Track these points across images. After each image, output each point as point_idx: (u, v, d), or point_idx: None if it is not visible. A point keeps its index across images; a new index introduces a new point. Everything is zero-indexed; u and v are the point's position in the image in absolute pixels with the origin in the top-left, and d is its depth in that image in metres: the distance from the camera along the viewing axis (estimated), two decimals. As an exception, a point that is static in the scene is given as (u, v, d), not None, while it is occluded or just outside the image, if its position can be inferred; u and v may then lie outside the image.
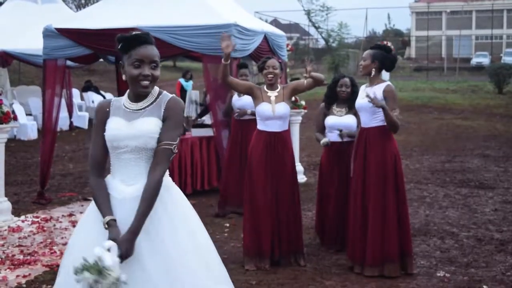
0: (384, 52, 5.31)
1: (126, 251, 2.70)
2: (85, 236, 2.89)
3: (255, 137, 5.65)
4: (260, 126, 5.62)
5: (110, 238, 2.72)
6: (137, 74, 2.83)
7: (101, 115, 2.95)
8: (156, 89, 2.94)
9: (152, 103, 2.90)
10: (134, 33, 2.87)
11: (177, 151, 2.90)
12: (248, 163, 5.67)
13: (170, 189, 2.94)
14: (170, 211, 2.87)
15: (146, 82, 2.84)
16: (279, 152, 5.52)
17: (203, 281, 2.84)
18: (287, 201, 5.52)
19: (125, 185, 2.88)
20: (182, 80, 16.09)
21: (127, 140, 2.85)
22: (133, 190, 2.84)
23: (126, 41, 2.86)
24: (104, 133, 2.90)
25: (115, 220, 2.79)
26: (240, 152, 7.64)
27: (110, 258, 2.60)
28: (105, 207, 2.83)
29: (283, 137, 5.58)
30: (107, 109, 2.94)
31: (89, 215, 2.97)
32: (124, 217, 2.80)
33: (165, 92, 2.96)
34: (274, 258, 5.52)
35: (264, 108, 5.54)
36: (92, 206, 2.96)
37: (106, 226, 2.77)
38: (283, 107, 5.55)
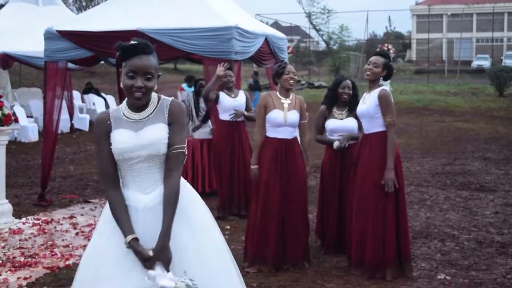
0: (389, 61, 5.38)
1: (167, 260, 2.73)
2: (103, 253, 2.86)
3: (264, 144, 5.59)
4: (270, 133, 5.56)
5: (143, 259, 2.72)
6: (130, 85, 2.80)
7: (103, 128, 2.90)
8: (155, 95, 2.91)
9: (154, 109, 2.88)
10: (131, 42, 2.81)
11: (187, 152, 2.90)
12: (257, 170, 5.63)
13: (183, 186, 2.94)
14: (187, 211, 2.89)
15: (138, 94, 2.80)
16: (290, 159, 5.49)
17: (222, 281, 2.89)
18: (296, 208, 5.50)
19: (142, 194, 2.87)
20: (184, 86, 15.92)
21: (138, 150, 2.83)
22: (153, 197, 2.85)
23: (123, 50, 2.81)
24: (111, 147, 2.86)
25: (137, 239, 2.78)
26: (231, 153, 7.64)
27: (168, 281, 2.61)
28: (126, 225, 2.80)
29: (293, 144, 5.56)
30: (108, 122, 2.90)
31: (104, 229, 2.93)
32: (147, 225, 2.81)
33: (163, 96, 2.94)
34: (279, 264, 5.50)
35: (276, 115, 5.49)
36: (105, 218, 2.93)
37: (128, 245, 2.76)
38: (294, 115, 5.52)
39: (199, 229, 2.89)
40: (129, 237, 2.77)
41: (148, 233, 2.79)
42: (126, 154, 2.84)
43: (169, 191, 2.80)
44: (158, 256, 2.72)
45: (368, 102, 5.32)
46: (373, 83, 5.37)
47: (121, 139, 2.84)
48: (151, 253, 2.73)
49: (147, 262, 2.72)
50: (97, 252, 2.88)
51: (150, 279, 2.64)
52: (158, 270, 2.67)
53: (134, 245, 2.75)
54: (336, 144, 5.92)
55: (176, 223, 2.81)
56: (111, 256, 2.81)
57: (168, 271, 2.70)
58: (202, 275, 2.79)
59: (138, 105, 2.86)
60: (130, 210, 2.85)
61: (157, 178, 2.86)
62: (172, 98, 2.95)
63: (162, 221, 2.77)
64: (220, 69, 7.36)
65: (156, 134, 2.82)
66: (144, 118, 2.87)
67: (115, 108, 2.97)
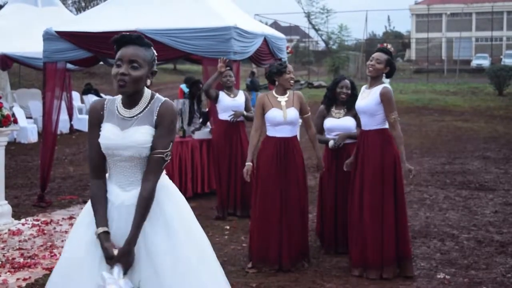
0: (392, 59, 5.37)
1: (127, 264, 2.73)
2: (79, 240, 2.88)
3: (264, 143, 5.59)
4: (270, 132, 5.56)
5: (106, 257, 2.73)
6: (115, 72, 2.79)
7: (95, 117, 2.90)
8: (149, 92, 2.89)
9: (144, 109, 2.85)
10: (122, 34, 2.84)
11: (170, 158, 2.87)
12: (256, 168, 5.61)
13: (165, 188, 2.92)
14: (166, 211, 2.86)
15: (122, 82, 2.78)
16: (290, 157, 5.48)
17: (200, 278, 2.84)
18: (296, 206, 5.50)
19: (122, 190, 2.87)
20: (183, 86, 15.88)
21: (121, 150, 2.83)
22: (130, 197, 2.84)
23: (114, 42, 2.84)
24: (99, 139, 2.87)
25: (108, 233, 2.79)
26: (229, 153, 7.63)
27: (115, 287, 2.61)
28: (99, 216, 2.82)
29: (293, 142, 5.55)
30: (101, 112, 2.89)
31: (84, 218, 2.96)
32: (121, 222, 2.81)
33: (157, 95, 2.91)
34: (282, 265, 5.48)
35: (275, 113, 5.48)
36: (87, 208, 2.96)
37: (97, 237, 2.78)
38: (293, 112, 5.51)
39: (179, 232, 2.84)
40: (100, 229, 2.78)
41: (122, 229, 2.79)
42: (109, 150, 2.85)
43: (142, 195, 2.79)
44: (120, 258, 2.72)
45: (368, 98, 5.28)
46: (374, 79, 5.34)
47: (107, 135, 2.84)
48: (116, 252, 2.74)
49: (110, 260, 2.73)
50: (77, 237, 2.90)
51: (100, 280, 2.64)
52: (114, 273, 2.67)
53: (102, 239, 2.76)
54: (331, 143, 5.94)
55: (151, 226, 2.80)
56: (86, 246, 2.82)
57: (125, 274, 2.70)
58: (179, 279, 2.76)
59: (123, 94, 2.84)
60: (108, 203, 2.86)
61: (139, 178, 2.86)
62: (166, 99, 2.91)
63: (131, 225, 2.77)
64: (221, 65, 7.37)
65: (139, 138, 2.80)
66: (133, 116, 2.85)
67: (111, 98, 2.95)
